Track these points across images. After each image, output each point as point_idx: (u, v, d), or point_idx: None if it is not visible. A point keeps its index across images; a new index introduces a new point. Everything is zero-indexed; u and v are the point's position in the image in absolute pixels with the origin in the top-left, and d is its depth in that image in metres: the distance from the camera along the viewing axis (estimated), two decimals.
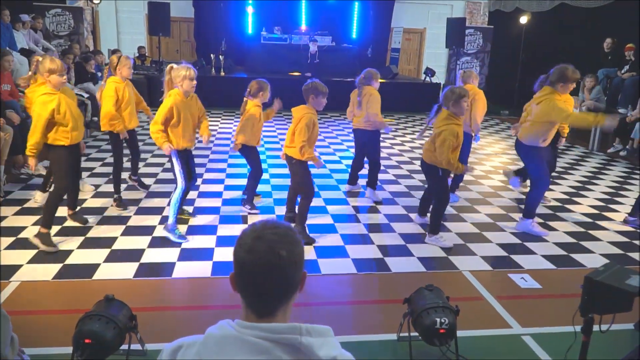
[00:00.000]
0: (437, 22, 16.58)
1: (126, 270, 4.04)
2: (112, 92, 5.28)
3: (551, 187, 6.87)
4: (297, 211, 4.84)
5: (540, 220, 5.57)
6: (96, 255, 4.26)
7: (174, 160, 4.63)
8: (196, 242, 4.64)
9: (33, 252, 4.26)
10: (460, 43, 14.12)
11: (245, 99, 5.33)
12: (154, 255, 4.32)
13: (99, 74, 9.87)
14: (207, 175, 6.76)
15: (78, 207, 5.31)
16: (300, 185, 4.81)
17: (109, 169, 6.72)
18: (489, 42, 14.86)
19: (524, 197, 6.44)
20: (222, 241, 4.67)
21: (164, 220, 5.08)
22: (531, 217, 5.21)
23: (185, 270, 4.09)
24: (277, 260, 1.21)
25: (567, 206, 6.16)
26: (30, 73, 5.04)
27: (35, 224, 4.88)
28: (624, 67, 10.09)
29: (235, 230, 4.91)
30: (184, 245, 4.55)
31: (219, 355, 1.18)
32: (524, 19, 13.31)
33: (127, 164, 6.01)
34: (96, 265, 4.08)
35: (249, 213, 5.38)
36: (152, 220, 5.10)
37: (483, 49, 14.95)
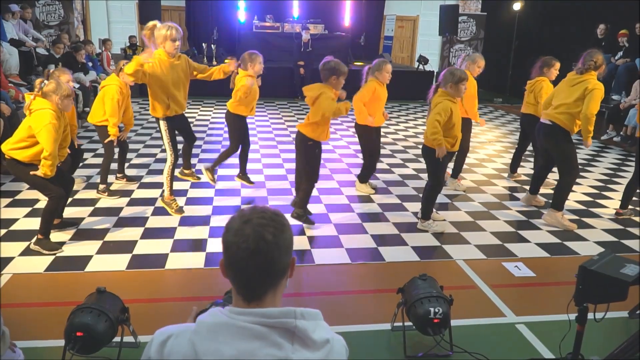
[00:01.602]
0: (430, 9, 16.49)
1: (119, 262, 4.01)
2: (117, 94, 5.25)
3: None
4: (300, 194, 4.77)
5: (534, 209, 5.58)
6: (88, 248, 4.22)
7: (163, 130, 4.56)
8: (189, 233, 4.61)
9: (25, 244, 4.22)
10: (454, 30, 14.06)
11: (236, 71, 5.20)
12: (146, 247, 4.29)
13: (90, 63, 9.76)
14: (200, 166, 6.71)
15: (70, 199, 5.27)
16: (307, 169, 4.69)
17: (99, 160, 6.67)
18: (482, 29, 14.81)
19: (518, 185, 6.46)
20: (215, 232, 4.64)
21: (156, 211, 5.05)
22: (560, 208, 5.09)
23: (178, 261, 4.07)
24: (263, 244, 1.21)
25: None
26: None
27: (27, 215, 4.84)
28: (617, 53, 10.08)
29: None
30: (177, 236, 4.52)
31: (214, 342, 1.18)
32: (517, 6, 13.25)
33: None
34: (88, 257, 4.05)
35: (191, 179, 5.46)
36: (145, 211, 5.06)
37: (476, 36, 14.90)
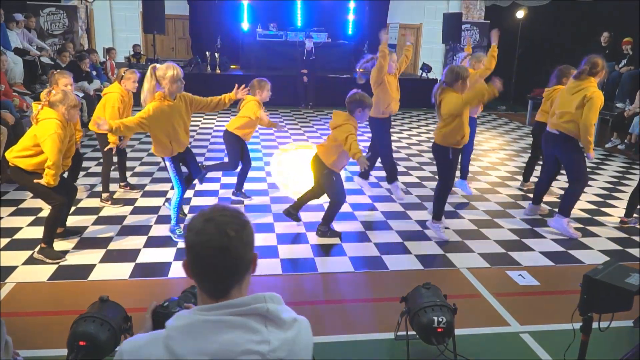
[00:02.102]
0: (434, 17, 16.53)
1: (122, 270, 4.01)
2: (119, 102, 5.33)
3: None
4: (325, 212, 4.87)
5: (538, 217, 5.56)
6: (92, 256, 4.22)
7: (168, 165, 4.52)
8: None
9: (28, 252, 4.22)
10: (457, 38, 14.09)
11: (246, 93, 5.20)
12: (149, 255, 4.29)
13: (94, 72, 9.81)
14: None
15: (73, 207, 5.28)
16: (331, 196, 4.72)
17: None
18: (485, 37, 14.82)
19: (521, 193, 6.44)
20: None
21: (160, 219, 5.05)
22: (567, 215, 5.07)
23: (181, 269, 4.03)
24: (226, 240, 1.24)
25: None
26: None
27: (30, 224, 4.85)
28: (621, 61, 10.07)
29: None
30: (180, 244, 4.52)
31: (192, 341, 1.19)
32: (520, 14, 13.27)
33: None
34: (92, 266, 4.05)
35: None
36: (148, 219, 5.06)
37: (479, 44, 14.91)
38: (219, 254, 1.24)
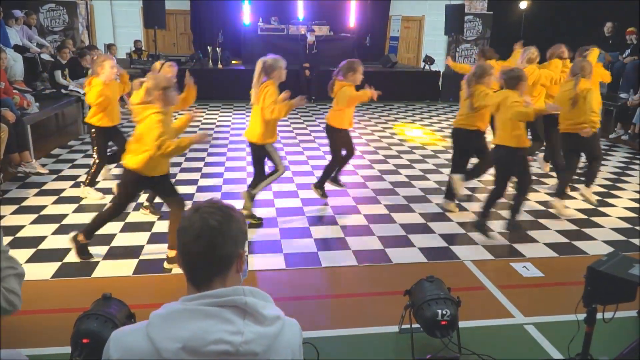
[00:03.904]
0: (436, 9, 16.43)
1: (125, 267, 4.02)
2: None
3: (552, 174, 6.82)
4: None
5: (542, 208, 5.54)
6: (95, 253, 4.22)
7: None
8: None
9: (31, 250, 4.24)
10: (460, 30, 14.00)
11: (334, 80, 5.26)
12: (153, 251, 4.29)
13: None
14: (205, 170, 6.72)
15: (76, 205, 5.30)
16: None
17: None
18: (488, 29, 14.73)
19: None
20: None
21: (164, 216, 5.04)
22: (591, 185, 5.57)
23: None
24: (207, 229, 1.30)
25: (570, 193, 6.10)
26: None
27: (33, 222, 4.85)
28: (625, 51, 9.99)
29: None
30: None
31: (169, 329, 1.23)
32: (523, 5, 13.17)
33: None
34: (95, 263, 4.06)
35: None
36: (152, 216, 5.06)
37: (482, 36, 14.82)
38: (197, 242, 1.29)
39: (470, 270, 4.14)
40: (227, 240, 1.31)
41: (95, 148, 5.46)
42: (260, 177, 4.97)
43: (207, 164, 6.98)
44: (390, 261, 4.25)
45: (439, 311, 2.86)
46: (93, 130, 5.38)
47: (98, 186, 5.68)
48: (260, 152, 4.86)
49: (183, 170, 6.65)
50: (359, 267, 4.16)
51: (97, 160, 5.47)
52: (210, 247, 1.29)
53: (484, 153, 5.18)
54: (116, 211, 4.04)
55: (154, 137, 3.62)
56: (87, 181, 5.52)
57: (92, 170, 5.50)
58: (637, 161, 7.73)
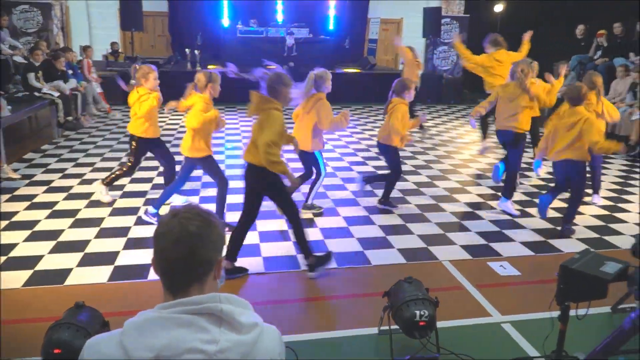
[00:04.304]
0: (414, 11, 16.52)
1: (100, 274, 3.94)
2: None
3: (526, 173, 6.91)
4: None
5: (518, 207, 5.60)
6: (68, 260, 4.14)
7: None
8: None
9: (2, 258, 4.13)
10: (437, 32, 14.11)
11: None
12: (129, 258, 4.22)
13: (70, 71, 9.63)
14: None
15: (49, 211, 5.19)
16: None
17: (81, 170, 6.59)
18: (465, 31, 14.87)
19: (500, 185, 6.48)
20: None
21: (139, 221, 4.97)
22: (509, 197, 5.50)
23: None
24: (186, 234, 1.27)
25: (544, 192, 6.18)
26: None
27: (4, 229, 4.73)
28: (596, 52, 10.18)
29: None
30: None
31: (143, 338, 1.20)
32: (499, 8, 13.35)
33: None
34: (68, 270, 3.97)
35: None
36: (127, 221, 4.98)
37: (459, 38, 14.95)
38: (176, 247, 1.27)
39: (448, 270, 4.16)
40: (206, 245, 1.29)
41: (132, 157, 5.33)
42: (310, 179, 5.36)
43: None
44: (369, 263, 4.26)
45: (417, 312, 2.87)
46: (135, 142, 5.23)
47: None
48: (309, 158, 5.14)
49: (162, 174, 6.55)
50: (338, 269, 4.15)
51: (126, 168, 5.39)
52: (190, 252, 1.27)
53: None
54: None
55: (270, 135, 3.60)
56: (106, 180, 5.45)
57: (117, 173, 5.44)
58: (610, 160, 7.87)
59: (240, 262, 4.07)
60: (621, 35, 9.74)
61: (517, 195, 6.03)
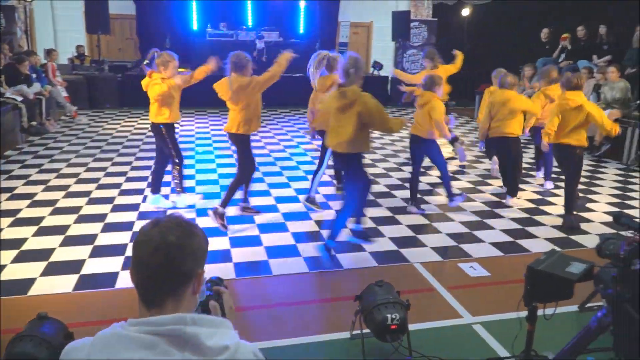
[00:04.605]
0: (384, 15, 16.66)
1: (65, 283, 3.83)
2: None
3: (496, 174, 7.02)
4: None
5: (487, 209, 5.68)
6: (32, 269, 4.01)
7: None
8: None
9: None
10: (406, 36, 14.26)
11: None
12: (95, 266, 4.12)
13: (34, 75, 9.38)
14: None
15: (12, 219, 5.03)
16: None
17: (46, 176, 6.42)
18: (433, 35, 15.07)
19: (471, 186, 6.57)
20: None
21: (106, 228, 4.86)
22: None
23: (130, 279, 3.90)
24: (164, 244, 1.23)
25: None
26: None
27: None
28: (560, 55, 10.44)
29: None
30: (129, 253, 4.36)
31: (105, 355, 1.17)
32: (466, 11, 13.57)
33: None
34: (32, 280, 3.85)
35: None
36: (93, 228, 4.86)
37: (428, 41, 15.13)
38: (154, 256, 1.23)
39: (419, 272, 4.19)
40: (186, 255, 1.25)
41: (171, 147, 5.24)
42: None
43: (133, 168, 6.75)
44: (341, 267, 4.25)
45: (389, 315, 2.87)
46: (163, 127, 5.17)
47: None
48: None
49: (130, 180, 6.42)
50: (310, 273, 4.13)
51: (177, 160, 5.30)
52: (167, 262, 1.22)
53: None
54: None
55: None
56: (180, 189, 5.40)
57: (179, 174, 5.36)
58: None
59: (209, 268, 4.01)
60: (584, 39, 10.00)
61: (485, 196, 6.13)
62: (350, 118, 4.04)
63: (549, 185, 6.52)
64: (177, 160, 5.28)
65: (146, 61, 5.22)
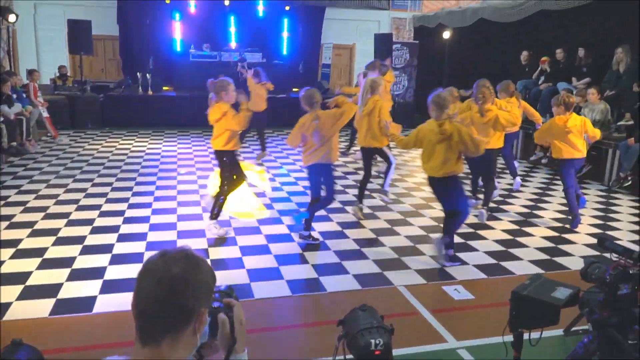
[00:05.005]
0: (366, 37, 16.88)
1: (41, 307, 3.72)
2: None
3: (479, 195, 7.07)
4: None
5: (470, 230, 5.70)
6: (7, 293, 3.89)
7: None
8: (120, 271, 4.37)
9: None
10: (388, 58, 14.43)
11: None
12: (73, 290, 4.01)
13: (14, 95, 9.25)
14: (133, 200, 6.44)
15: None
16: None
17: (24, 197, 6.29)
18: (415, 57, 15.29)
19: None
20: None
21: (85, 250, 4.76)
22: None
23: (108, 303, 3.82)
24: (168, 275, 1.18)
25: (495, 214, 6.33)
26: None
27: None
28: (540, 78, 10.63)
29: None
30: (107, 276, 4.26)
31: None
32: (446, 34, 13.80)
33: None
34: (7, 305, 3.73)
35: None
36: (71, 251, 4.75)
37: (410, 63, 15.34)
38: (156, 287, 1.18)
39: (403, 295, 4.16)
40: (188, 291, 1.20)
41: (227, 175, 5.19)
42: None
43: (134, 194, 6.68)
44: (324, 289, 4.20)
45: (372, 341, 2.82)
46: (226, 158, 5.17)
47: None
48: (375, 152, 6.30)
49: (110, 201, 6.33)
50: (293, 297, 4.08)
51: (225, 189, 5.20)
52: (168, 295, 1.18)
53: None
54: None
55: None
56: (215, 216, 5.24)
57: (221, 202, 5.22)
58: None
59: None
60: (563, 61, 10.21)
61: (470, 218, 6.14)
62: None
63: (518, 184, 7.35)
64: (225, 186, 5.22)
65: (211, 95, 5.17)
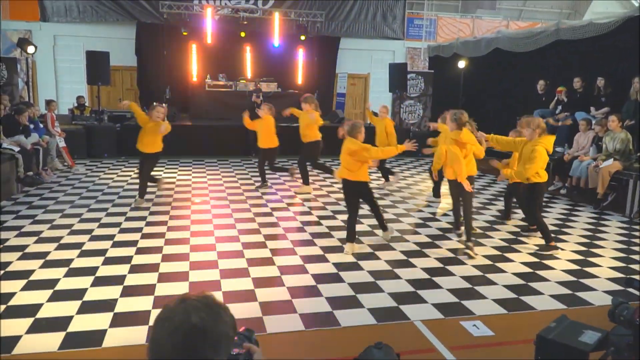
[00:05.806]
0: (380, 67, 17.02)
1: (51, 342, 3.65)
2: None
3: (497, 227, 6.93)
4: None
5: (489, 262, 5.55)
6: (17, 326, 3.84)
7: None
8: (130, 304, 4.30)
9: None
10: (403, 87, 14.49)
11: None
12: (82, 323, 3.95)
13: (31, 125, 9.40)
14: (147, 229, 6.42)
15: (2, 271, 4.88)
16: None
17: (39, 227, 6.30)
18: (430, 86, 15.32)
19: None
20: (160, 302, 4.35)
21: (96, 282, 4.71)
22: None
23: (117, 337, 3.75)
24: (187, 325, 1.11)
25: (514, 246, 6.18)
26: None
27: None
28: (557, 107, 10.54)
29: (176, 288, 4.60)
30: (117, 309, 4.20)
31: None
32: (462, 64, 13.83)
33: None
34: (17, 338, 3.67)
35: None
36: (84, 282, 4.71)
37: (425, 93, 15.38)
38: (172, 336, 1.11)
39: (420, 331, 4.02)
40: (206, 344, 1.13)
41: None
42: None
43: (148, 224, 6.66)
44: (338, 324, 4.08)
45: None
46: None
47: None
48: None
49: (123, 231, 6.31)
50: (306, 332, 3.96)
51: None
52: (185, 348, 1.11)
53: None
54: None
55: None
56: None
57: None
58: (576, 213, 7.98)
59: None
60: (580, 90, 10.12)
61: (488, 250, 6.00)
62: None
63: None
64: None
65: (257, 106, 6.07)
